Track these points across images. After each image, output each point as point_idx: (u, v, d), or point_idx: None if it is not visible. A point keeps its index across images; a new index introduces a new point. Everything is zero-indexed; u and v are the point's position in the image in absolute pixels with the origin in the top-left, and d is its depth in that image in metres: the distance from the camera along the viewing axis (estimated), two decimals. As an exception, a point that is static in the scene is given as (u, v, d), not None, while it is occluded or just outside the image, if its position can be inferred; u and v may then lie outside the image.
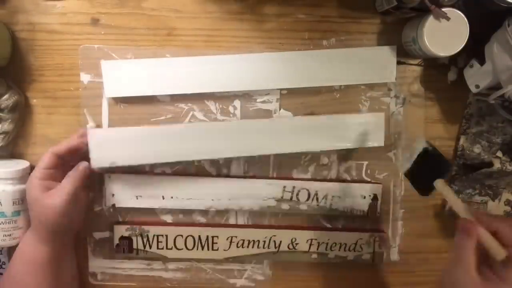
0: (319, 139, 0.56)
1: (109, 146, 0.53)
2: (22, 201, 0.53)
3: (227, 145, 0.55)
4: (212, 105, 0.58)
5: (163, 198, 0.57)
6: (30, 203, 0.51)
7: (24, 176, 0.54)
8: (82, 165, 0.53)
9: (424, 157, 0.46)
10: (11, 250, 0.59)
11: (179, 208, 0.58)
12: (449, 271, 0.40)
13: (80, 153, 0.53)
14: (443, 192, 0.44)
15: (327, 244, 0.59)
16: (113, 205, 0.57)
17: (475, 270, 0.38)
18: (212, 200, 0.57)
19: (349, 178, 0.59)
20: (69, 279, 0.56)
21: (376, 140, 0.57)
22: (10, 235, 0.53)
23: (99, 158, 0.53)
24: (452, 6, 0.49)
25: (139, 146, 0.54)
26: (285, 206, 0.58)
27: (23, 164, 0.55)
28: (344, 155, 0.59)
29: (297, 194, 0.58)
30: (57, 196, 0.50)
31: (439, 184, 0.44)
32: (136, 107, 0.57)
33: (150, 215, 0.59)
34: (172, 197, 0.57)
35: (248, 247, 0.59)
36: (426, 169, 0.46)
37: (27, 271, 0.51)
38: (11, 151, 0.57)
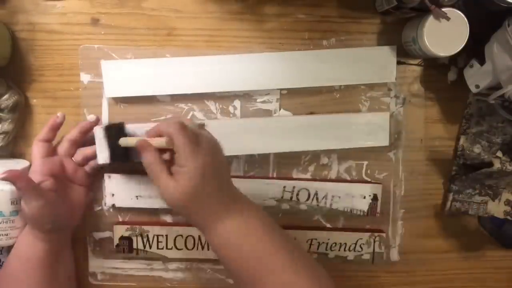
0: (323, 138, 0.57)
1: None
2: (20, 201, 0.53)
3: (234, 143, 0.56)
4: (212, 105, 0.58)
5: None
6: None
7: None
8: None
9: (107, 137, 0.51)
10: (10, 250, 0.58)
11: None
12: (158, 188, 0.43)
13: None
14: (126, 142, 0.49)
15: (327, 244, 0.59)
16: (113, 205, 0.57)
17: (166, 173, 0.43)
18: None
19: (349, 178, 0.59)
20: (66, 279, 0.55)
21: (381, 140, 0.57)
22: (7, 234, 0.53)
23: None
24: (452, 6, 0.49)
25: None
26: (285, 206, 0.58)
27: (22, 163, 0.55)
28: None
29: (297, 194, 0.58)
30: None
31: (121, 141, 0.49)
32: (136, 107, 0.57)
33: (150, 215, 0.59)
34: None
35: (248, 247, 0.59)
36: (115, 143, 0.50)
37: (23, 268, 0.51)
38: (11, 151, 0.57)
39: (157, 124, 0.46)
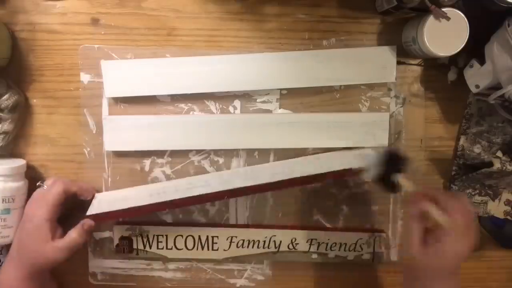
0: (323, 137, 0.57)
1: (121, 132, 0.56)
2: (12, 200, 0.53)
3: (234, 138, 0.57)
4: (212, 105, 0.58)
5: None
6: (27, 241, 0.51)
7: (16, 174, 0.54)
8: (89, 223, 0.52)
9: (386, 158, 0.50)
10: (9, 248, 0.58)
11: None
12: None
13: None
14: (402, 182, 0.48)
15: (327, 244, 0.59)
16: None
17: (419, 238, 0.46)
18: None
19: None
20: None
21: (380, 140, 0.57)
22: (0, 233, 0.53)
23: (112, 142, 0.57)
24: (452, 6, 0.49)
25: (148, 133, 0.56)
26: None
27: (17, 162, 0.55)
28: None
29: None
30: (61, 252, 0.51)
31: (399, 178, 0.48)
32: (136, 107, 0.57)
33: (150, 215, 0.59)
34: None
35: (248, 247, 0.59)
36: (389, 169, 0.49)
37: None
38: (11, 151, 0.57)
39: (446, 194, 0.48)
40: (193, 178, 0.58)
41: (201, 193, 0.53)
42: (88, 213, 0.52)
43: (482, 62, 0.51)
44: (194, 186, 0.55)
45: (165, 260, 0.60)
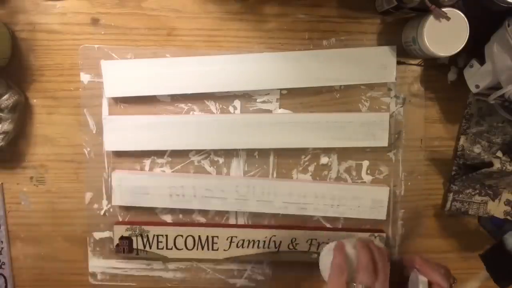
0: (323, 137, 0.57)
1: (121, 132, 0.56)
2: None
3: (234, 138, 0.57)
4: (212, 105, 0.58)
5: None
6: None
7: None
8: None
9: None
10: (11, 249, 0.59)
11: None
12: None
13: None
14: None
15: (327, 244, 0.59)
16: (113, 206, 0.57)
17: None
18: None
19: (349, 178, 0.59)
20: None
21: (380, 140, 0.57)
22: None
23: (112, 142, 0.57)
24: (452, 6, 0.49)
25: (148, 133, 0.56)
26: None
27: None
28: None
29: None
30: None
31: None
32: (136, 107, 0.57)
33: (150, 215, 0.59)
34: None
35: (248, 247, 0.59)
36: None
37: None
38: (11, 151, 0.57)
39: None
40: (211, 185, 0.58)
41: (217, 204, 0.56)
42: (113, 199, 0.54)
43: (482, 62, 0.51)
44: (212, 195, 0.57)
45: (165, 260, 0.60)
